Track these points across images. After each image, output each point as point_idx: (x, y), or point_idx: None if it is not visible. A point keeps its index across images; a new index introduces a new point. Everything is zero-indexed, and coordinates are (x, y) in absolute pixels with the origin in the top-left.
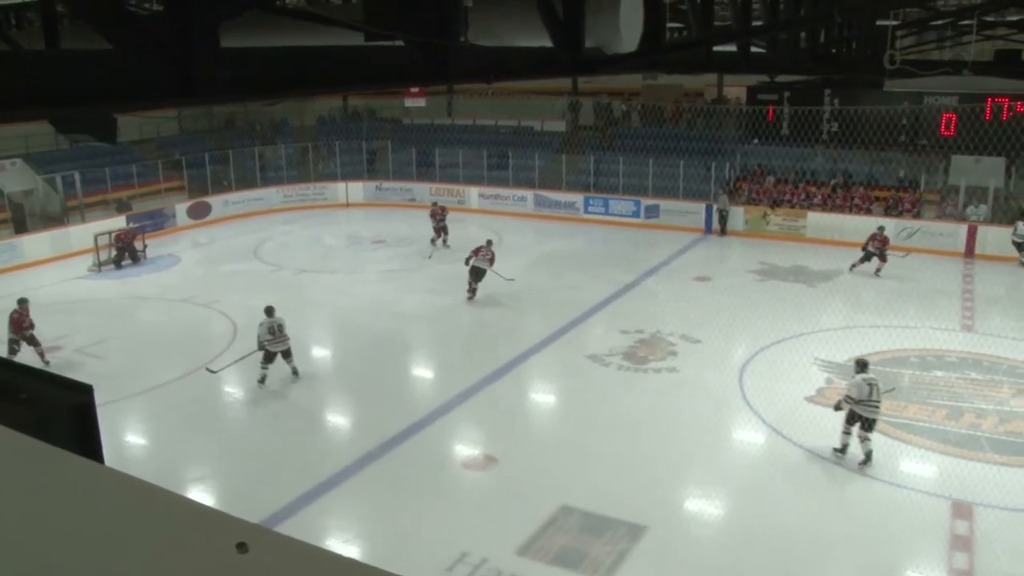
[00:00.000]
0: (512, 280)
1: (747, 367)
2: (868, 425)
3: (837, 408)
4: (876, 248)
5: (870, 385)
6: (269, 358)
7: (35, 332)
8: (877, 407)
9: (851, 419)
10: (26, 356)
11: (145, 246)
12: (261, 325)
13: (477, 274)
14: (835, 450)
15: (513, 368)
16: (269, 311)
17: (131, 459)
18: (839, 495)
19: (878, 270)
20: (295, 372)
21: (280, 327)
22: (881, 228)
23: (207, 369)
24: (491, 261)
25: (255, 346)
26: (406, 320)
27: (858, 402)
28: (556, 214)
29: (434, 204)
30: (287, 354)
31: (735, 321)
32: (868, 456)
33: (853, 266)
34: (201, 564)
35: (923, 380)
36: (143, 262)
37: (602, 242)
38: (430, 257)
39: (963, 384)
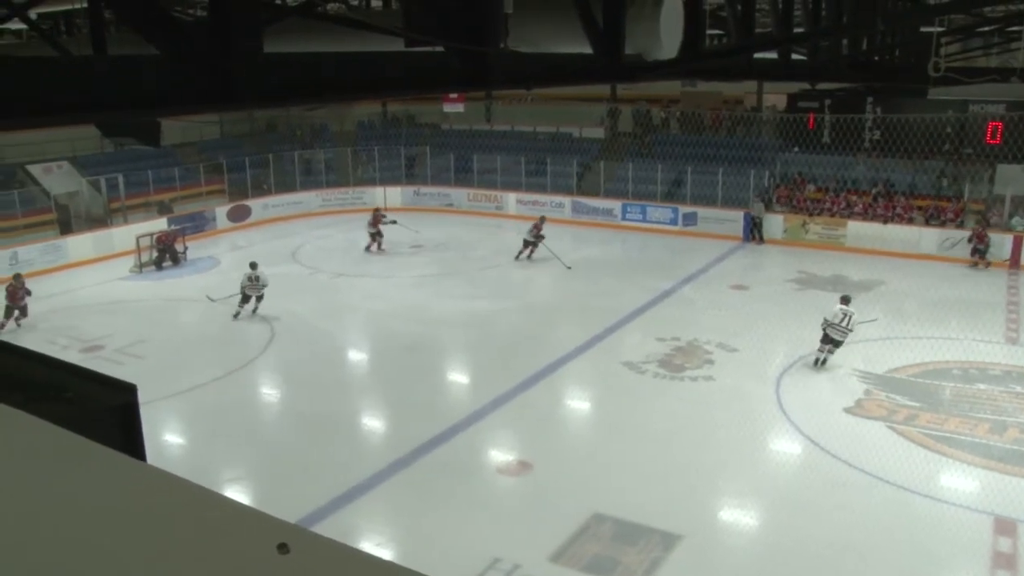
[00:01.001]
0: (570, 268)
1: (784, 377)
2: (833, 344)
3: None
4: (532, 236)
5: (844, 314)
6: (245, 299)
7: (28, 301)
8: (843, 332)
9: (825, 339)
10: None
11: (186, 248)
12: (244, 275)
13: (526, 244)
14: (815, 362)
15: (548, 375)
16: (253, 265)
17: (169, 458)
18: (877, 508)
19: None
20: (254, 312)
21: (258, 278)
22: (542, 218)
23: (207, 297)
24: (535, 233)
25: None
26: (441, 325)
27: (830, 324)
28: (594, 220)
29: (376, 209)
30: (258, 299)
31: (773, 330)
32: (820, 362)
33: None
34: (243, 564)
35: (965, 393)
36: (183, 264)
37: (639, 249)
38: (368, 249)
39: (1007, 398)
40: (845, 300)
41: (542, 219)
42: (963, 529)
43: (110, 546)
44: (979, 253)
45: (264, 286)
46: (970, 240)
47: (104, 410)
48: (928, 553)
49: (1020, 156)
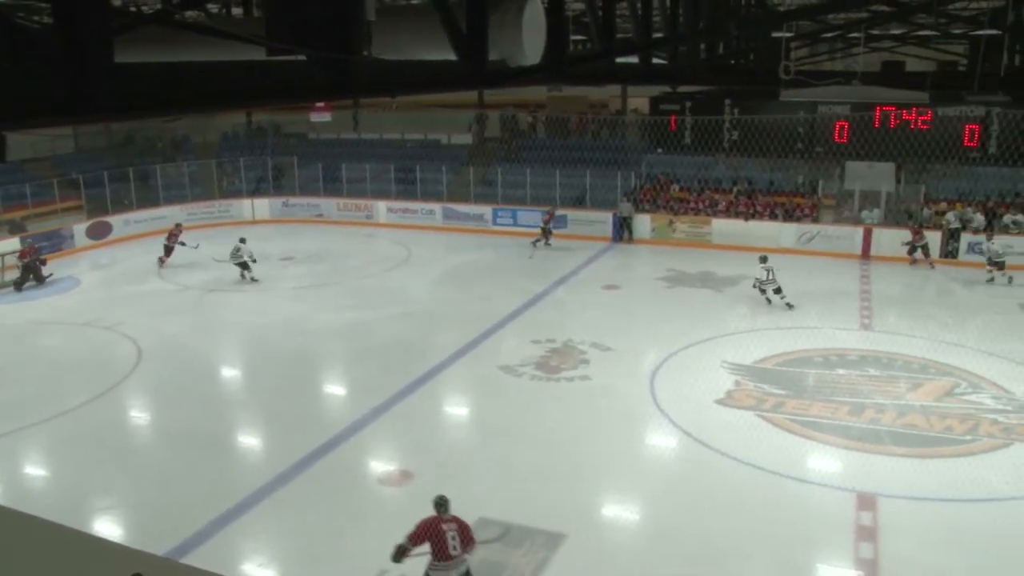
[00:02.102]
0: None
1: (658, 372)
2: (777, 292)
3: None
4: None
5: (767, 270)
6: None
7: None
8: (774, 282)
9: (766, 292)
10: None
11: (46, 265)
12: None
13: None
14: (767, 302)
15: (427, 381)
16: (242, 240)
17: (32, 492)
18: (751, 494)
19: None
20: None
21: (238, 250)
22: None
23: (213, 259)
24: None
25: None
26: (318, 337)
27: (764, 282)
28: (465, 226)
29: (177, 225)
30: (242, 267)
31: (645, 328)
32: (790, 305)
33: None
34: None
35: (827, 379)
36: (45, 283)
37: (512, 254)
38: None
39: (863, 381)
40: (763, 259)
41: (552, 209)
42: (830, 507)
43: None
44: (918, 250)
45: (243, 257)
46: (907, 243)
47: None
48: (800, 532)
49: (865, 154)
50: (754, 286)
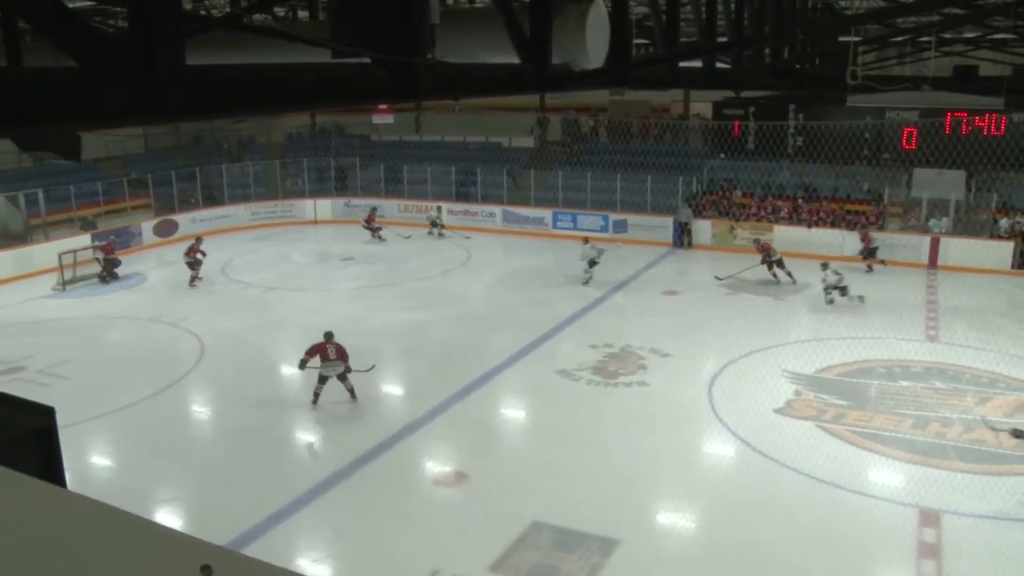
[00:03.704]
0: None
1: (716, 380)
2: (840, 292)
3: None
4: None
5: (834, 272)
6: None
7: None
8: (839, 280)
9: (832, 293)
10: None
11: (119, 264)
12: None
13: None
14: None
15: (483, 385)
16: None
17: (96, 481)
18: (809, 506)
19: None
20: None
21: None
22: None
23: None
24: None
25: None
26: (375, 337)
27: (833, 287)
28: (525, 230)
29: (198, 238)
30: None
31: (704, 334)
32: (861, 298)
33: None
34: None
35: (890, 390)
36: (117, 279)
37: (571, 257)
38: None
39: (928, 393)
40: (824, 266)
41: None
42: (891, 522)
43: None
44: (870, 254)
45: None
46: (861, 252)
47: (20, 435)
48: (859, 547)
49: (934, 161)
50: (827, 291)
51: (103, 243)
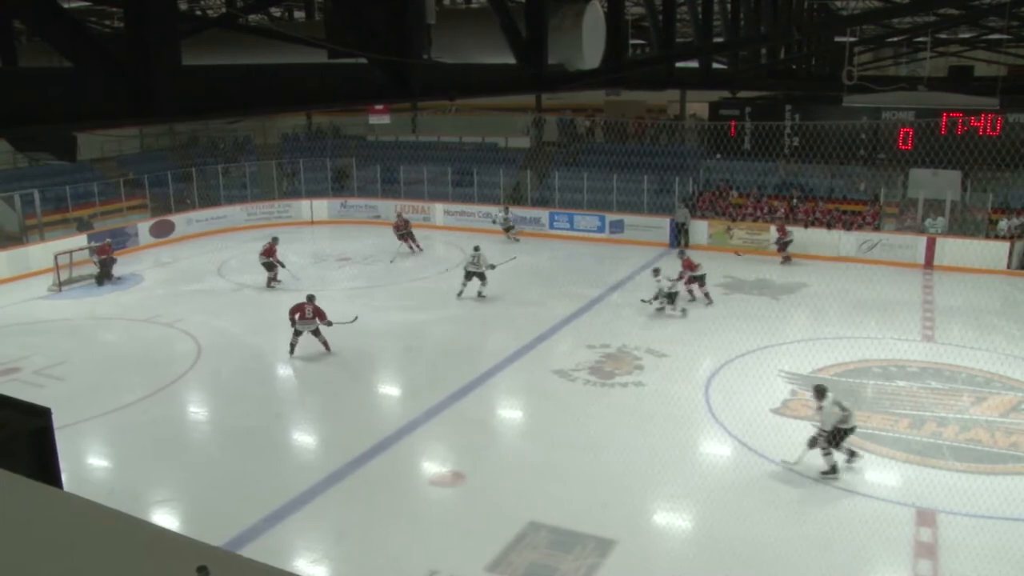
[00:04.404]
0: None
1: (713, 380)
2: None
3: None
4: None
5: (669, 280)
6: (467, 277)
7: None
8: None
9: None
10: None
11: (115, 264)
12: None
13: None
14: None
15: (480, 385)
16: (476, 248)
17: (92, 482)
18: (805, 505)
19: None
20: (480, 294)
21: (478, 258)
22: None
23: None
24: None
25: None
26: (372, 338)
27: (663, 293)
28: (521, 230)
29: (274, 239)
30: (481, 277)
31: (700, 335)
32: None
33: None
34: None
35: (886, 390)
36: (113, 281)
37: (567, 257)
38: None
39: (924, 393)
40: (656, 272)
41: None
42: (887, 522)
43: None
44: (783, 247)
45: (489, 266)
46: (777, 242)
47: (15, 436)
48: (855, 547)
49: (930, 161)
50: (658, 298)
51: (99, 244)
